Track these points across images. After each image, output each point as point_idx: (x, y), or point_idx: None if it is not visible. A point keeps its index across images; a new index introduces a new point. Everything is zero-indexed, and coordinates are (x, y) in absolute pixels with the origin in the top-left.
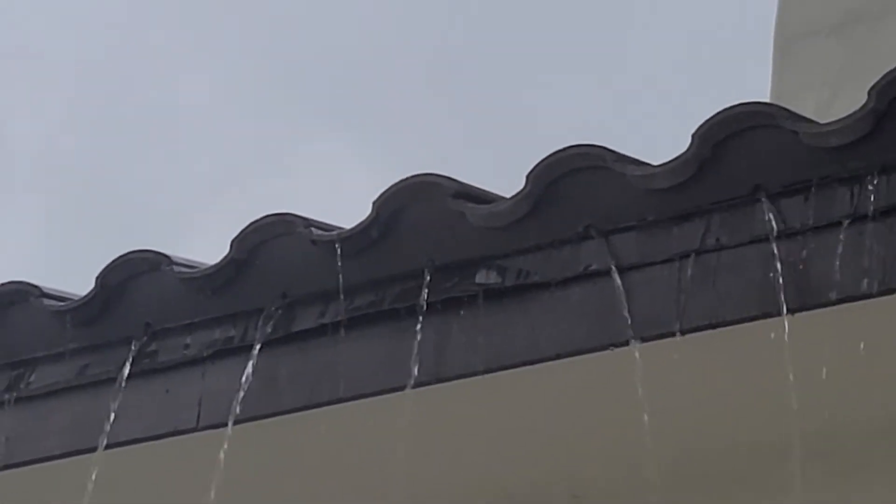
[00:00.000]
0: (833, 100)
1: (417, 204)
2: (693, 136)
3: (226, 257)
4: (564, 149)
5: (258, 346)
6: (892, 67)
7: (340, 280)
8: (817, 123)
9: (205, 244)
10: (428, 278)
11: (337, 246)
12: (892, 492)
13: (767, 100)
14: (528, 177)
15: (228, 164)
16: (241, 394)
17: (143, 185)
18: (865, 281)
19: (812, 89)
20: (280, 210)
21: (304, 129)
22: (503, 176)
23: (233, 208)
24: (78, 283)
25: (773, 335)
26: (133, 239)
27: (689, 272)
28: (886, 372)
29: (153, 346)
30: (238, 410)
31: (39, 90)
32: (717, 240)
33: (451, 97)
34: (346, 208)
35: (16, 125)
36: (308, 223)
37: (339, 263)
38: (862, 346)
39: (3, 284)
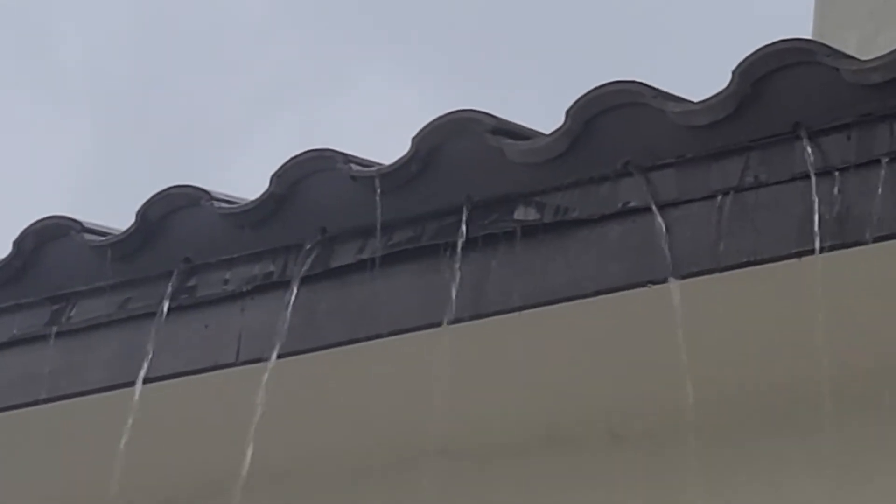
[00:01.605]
0: (876, 35)
1: (456, 140)
2: (733, 72)
3: (265, 192)
4: (603, 85)
5: (297, 282)
6: None
7: (379, 216)
8: (858, 60)
9: (258, 163)
10: (466, 214)
11: (376, 182)
12: None
13: (809, 36)
14: (567, 113)
15: (282, 84)
16: (282, 329)
17: (193, 103)
18: None
19: (855, 25)
20: (320, 145)
21: (358, 49)
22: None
23: (288, 127)
24: (126, 205)
25: (811, 272)
26: (186, 156)
27: (728, 209)
28: None
29: (193, 281)
30: (277, 346)
31: (90, 8)
32: (756, 177)
33: (512, 24)
34: (399, 132)
35: (67, 45)
36: (347, 159)
37: (378, 199)
38: None
39: (44, 219)
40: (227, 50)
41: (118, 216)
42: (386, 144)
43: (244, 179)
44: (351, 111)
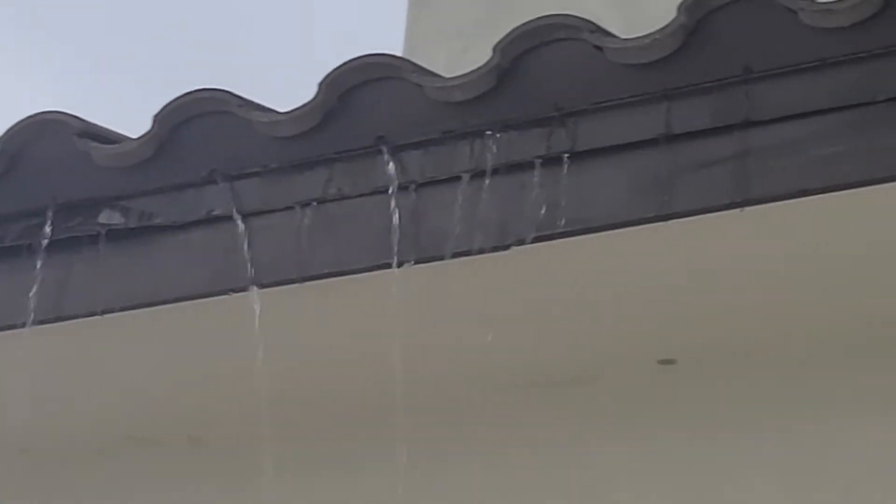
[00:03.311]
0: (466, 52)
1: (42, 141)
2: (319, 84)
3: None
4: (191, 92)
5: None
6: (521, 23)
7: None
8: (442, 77)
9: None
10: (51, 216)
11: None
12: (515, 448)
13: (400, 51)
14: (154, 118)
15: None
16: None
17: None
18: (481, 236)
19: (446, 40)
20: None
21: None
22: None
23: None
24: None
25: (390, 285)
26: None
27: (311, 220)
28: (500, 327)
29: None
30: None
31: None
32: (340, 189)
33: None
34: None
35: None
36: None
37: None
38: (478, 299)
39: None
40: None
41: None
42: None
43: None
44: None
